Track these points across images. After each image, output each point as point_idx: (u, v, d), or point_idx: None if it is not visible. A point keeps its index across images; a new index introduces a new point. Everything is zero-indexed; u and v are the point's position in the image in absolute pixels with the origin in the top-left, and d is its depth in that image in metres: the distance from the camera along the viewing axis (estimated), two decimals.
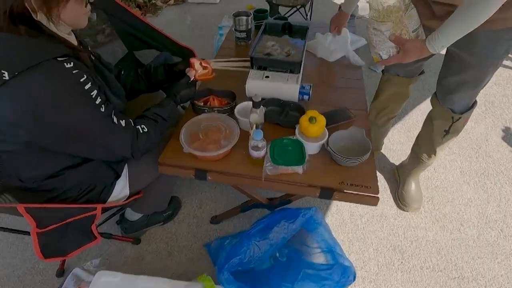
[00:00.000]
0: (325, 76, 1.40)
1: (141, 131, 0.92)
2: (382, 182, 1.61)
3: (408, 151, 1.53)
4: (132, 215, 1.30)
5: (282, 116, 1.14)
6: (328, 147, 0.96)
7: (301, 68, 1.23)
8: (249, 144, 0.95)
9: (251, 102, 0.94)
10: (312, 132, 0.98)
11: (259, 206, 1.39)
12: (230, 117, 1.08)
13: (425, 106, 2.07)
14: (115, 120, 0.85)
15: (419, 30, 1.03)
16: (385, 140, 1.73)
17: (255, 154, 0.95)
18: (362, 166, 0.97)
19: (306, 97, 1.20)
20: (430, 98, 1.32)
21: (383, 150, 1.76)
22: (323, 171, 0.97)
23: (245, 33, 1.57)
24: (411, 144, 1.48)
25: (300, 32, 1.39)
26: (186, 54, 1.76)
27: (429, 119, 1.31)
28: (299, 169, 0.92)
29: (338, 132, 1.02)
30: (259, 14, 1.67)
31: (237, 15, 1.56)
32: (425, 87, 2.24)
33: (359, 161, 0.94)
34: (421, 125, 1.40)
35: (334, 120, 1.12)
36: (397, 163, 1.69)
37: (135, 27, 1.65)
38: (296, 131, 1.01)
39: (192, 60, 1.13)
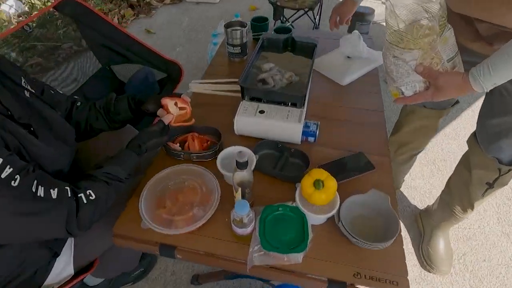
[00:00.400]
0: (336, 107, 1.14)
1: (85, 200, 0.66)
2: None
3: (433, 190, 1.27)
4: (92, 280, 1.07)
5: (279, 165, 0.89)
6: (340, 223, 0.71)
7: (306, 101, 0.97)
8: (231, 216, 0.70)
9: (240, 148, 0.69)
10: (319, 201, 0.72)
11: (249, 277, 1.14)
12: (209, 172, 0.83)
13: (455, 129, 1.80)
14: (39, 192, 0.60)
15: (456, 58, 0.77)
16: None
17: (238, 231, 0.70)
18: (386, 249, 0.71)
19: (311, 139, 0.94)
20: (466, 138, 1.05)
21: (402, 187, 1.50)
22: (331, 254, 0.72)
23: (240, 48, 1.31)
24: (437, 179, 1.21)
25: (306, 49, 1.13)
26: (172, 69, 1.52)
27: (466, 166, 1.04)
28: (297, 258, 0.67)
29: (354, 198, 0.76)
30: (258, 24, 1.42)
31: (228, 26, 1.30)
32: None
33: (382, 247, 0.68)
34: (450, 154, 1.13)
35: (349, 172, 0.86)
36: (419, 204, 1.43)
37: (111, 38, 1.41)
38: (297, 195, 0.76)
39: (165, 101, 0.87)
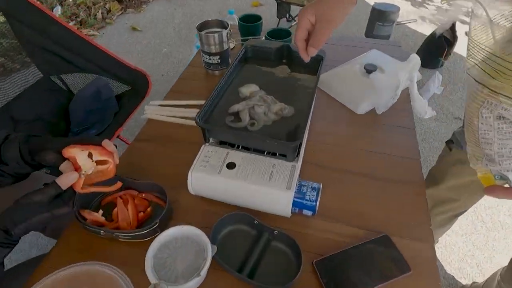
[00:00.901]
0: (348, 151, 0.80)
1: None
2: None
3: (476, 252, 0.91)
4: None
5: (254, 257, 0.55)
6: None
7: (302, 149, 0.63)
8: None
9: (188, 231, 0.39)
10: None
11: None
12: (128, 281, 0.50)
13: None
14: None
15: None
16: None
17: None
18: None
19: (308, 212, 0.60)
20: None
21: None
22: None
23: (218, 57, 0.98)
24: (480, 237, 0.86)
25: (308, 63, 0.79)
26: (138, 81, 1.20)
27: None
28: None
29: None
30: (246, 25, 1.08)
31: (203, 27, 0.97)
32: None
33: None
34: (498, 206, 0.78)
35: (363, 278, 0.52)
36: (457, 274, 1.07)
37: (55, 38, 1.10)
38: None
39: (70, 151, 0.54)
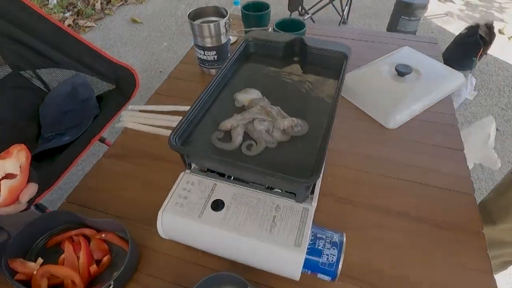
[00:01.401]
0: (377, 180, 0.62)
1: None
2: None
3: None
4: None
5: None
6: None
7: (318, 185, 0.46)
8: None
9: None
10: None
11: None
12: None
13: None
14: None
15: None
16: None
17: None
18: None
19: (326, 277, 0.43)
20: None
21: None
22: None
23: (215, 52, 0.81)
24: None
25: (327, 62, 0.61)
26: (123, 78, 1.04)
27: None
28: None
29: None
30: (252, 14, 0.91)
31: (195, 17, 0.80)
32: None
33: None
34: None
35: None
36: None
37: (25, 26, 0.94)
38: None
39: None
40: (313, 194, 0.45)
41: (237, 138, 0.46)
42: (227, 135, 0.47)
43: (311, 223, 0.42)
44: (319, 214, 0.48)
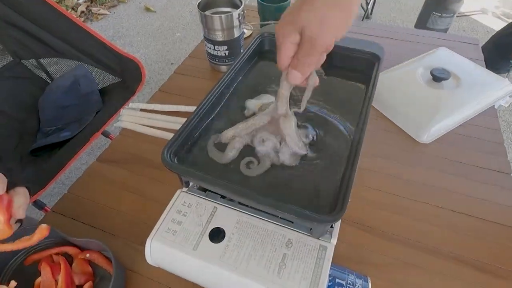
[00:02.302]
0: (408, 206, 0.54)
1: None
2: None
3: None
4: None
5: None
6: None
7: (339, 221, 0.38)
8: None
9: None
10: None
11: None
12: None
13: None
14: None
15: None
16: None
17: None
18: None
19: None
20: None
21: None
22: None
23: (226, 47, 0.74)
24: None
25: (354, 64, 0.53)
26: (129, 71, 0.98)
27: None
28: None
29: None
30: (269, 5, 0.82)
31: (205, 7, 0.73)
32: None
33: None
34: None
35: None
36: None
37: (27, 13, 0.89)
38: None
39: None
40: (332, 227, 0.37)
41: (231, 151, 0.39)
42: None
43: (329, 265, 0.35)
44: (338, 244, 0.41)
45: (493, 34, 1.73)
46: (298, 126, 0.41)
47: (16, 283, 0.41)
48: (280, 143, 0.39)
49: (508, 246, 0.47)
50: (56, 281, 0.42)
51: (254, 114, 0.45)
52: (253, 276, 0.34)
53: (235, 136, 0.40)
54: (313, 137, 0.41)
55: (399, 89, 0.69)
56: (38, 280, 0.42)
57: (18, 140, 0.92)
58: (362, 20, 2.17)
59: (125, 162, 0.60)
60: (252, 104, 0.46)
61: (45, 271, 0.42)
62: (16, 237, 0.36)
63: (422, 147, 0.60)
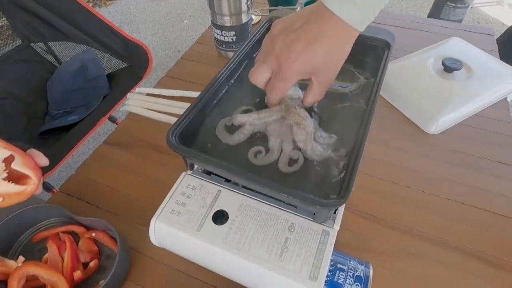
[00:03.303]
0: (416, 198, 0.53)
1: None
2: None
3: None
4: None
5: None
6: None
7: (342, 206, 0.38)
8: None
9: None
10: None
11: None
12: None
13: None
14: None
15: None
16: None
17: None
18: None
19: None
20: None
21: None
22: None
23: (234, 33, 0.73)
24: None
25: (364, 51, 0.52)
26: (136, 56, 0.98)
27: None
28: None
29: None
30: None
31: None
32: None
33: None
34: None
35: None
36: None
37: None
38: None
39: None
40: (335, 214, 0.37)
41: (238, 135, 0.40)
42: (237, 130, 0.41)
43: (331, 250, 0.35)
44: (341, 232, 0.41)
45: (509, 26, 1.68)
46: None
47: (24, 259, 0.43)
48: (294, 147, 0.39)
49: None
50: (63, 258, 0.43)
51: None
52: (255, 258, 0.34)
53: (245, 123, 0.40)
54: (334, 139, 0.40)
55: (409, 79, 0.68)
56: (46, 256, 0.43)
57: (26, 122, 0.93)
58: None
59: (131, 146, 0.60)
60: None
61: (52, 248, 0.43)
62: None
63: (430, 138, 0.59)
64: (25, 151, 0.38)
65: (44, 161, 0.39)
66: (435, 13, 1.62)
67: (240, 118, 0.41)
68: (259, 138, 0.41)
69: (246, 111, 0.43)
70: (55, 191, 1.02)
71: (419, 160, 0.56)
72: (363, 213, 0.50)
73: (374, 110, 0.39)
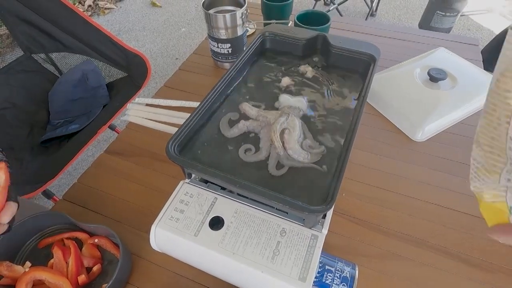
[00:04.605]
0: (403, 203, 0.56)
1: None
2: None
3: None
4: None
5: None
6: None
7: (330, 212, 0.41)
8: None
9: None
10: None
11: None
12: None
13: None
14: None
15: None
16: None
17: None
18: None
19: None
20: None
21: None
22: None
23: (229, 45, 0.76)
24: None
25: (351, 64, 0.55)
26: (135, 66, 1.01)
27: None
28: None
29: None
30: (272, 4, 0.84)
31: (210, 5, 0.75)
32: None
33: None
34: None
35: None
36: None
37: (42, 11, 0.92)
38: None
39: None
40: (324, 219, 0.40)
41: (233, 130, 0.45)
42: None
43: (320, 253, 0.37)
44: (329, 234, 0.43)
45: (497, 34, 1.73)
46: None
47: (30, 264, 0.45)
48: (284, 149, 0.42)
49: (496, 241, 0.49)
50: (67, 263, 0.45)
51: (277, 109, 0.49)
52: (249, 261, 0.37)
53: (248, 114, 0.46)
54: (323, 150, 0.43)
55: (396, 88, 0.71)
56: (51, 261, 0.46)
57: (29, 132, 0.95)
58: (367, 18, 2.17)
59: (131, 155, 0.63)
60: (284, 99, 0.49)
61: (57, 254, 0.45)
62: None
63: (416, 145, 0.62)
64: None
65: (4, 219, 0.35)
66: (425, 21, 1.67)
67: (245, 107, 0.46)
68: (252, 138, 0.45)
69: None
70: (56, 199, 1.04)
71: (405, 166, 0.59)
72: (351, 217, 0.52)
73: (359, 120, 0.42)
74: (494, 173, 0.25)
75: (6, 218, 0.34)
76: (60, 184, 1.30)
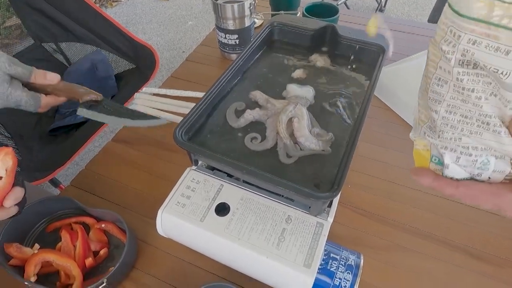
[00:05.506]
0: (410, 195, 0.56)
1: None
2: None
3: None
4: None
5: None
6: None
7: (336, 200, 0.41)
8: None
9: None
10: None
11: None
12: None
13: None
14: None
15: None
16: None
17: None
18: None
19: None
20: None
21: None
22: None
23: (237, 36, 0.76)
24: None
25: (361, 55, 0.54)
26: (143, 58, 1.01)
27: None
28: None
29: None
30: None
31: None
32: None
33: None
34: None
35: None
36: None
37: (54, 1, 0.92)
38: None
39: None
40: (330, 207, 0.40)
41: (240, 120, 0.45)
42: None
43: (325, 241, 0.37)
44: (335, 225, 0.43)
45: None
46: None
47: (39, 246, 0.46)
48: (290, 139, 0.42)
49: (500, 235, 0.49)
50: (75, 247, 0.46)
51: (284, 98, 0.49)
52: (254, 246, 0.37)
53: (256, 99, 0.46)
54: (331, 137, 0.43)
55: (404, 81, 0.70)
56: (59, 244, 0.46)
57: (37, 120, 0.96)
58: (376, 12, 2.14)
59: (138, 143, 0.63)
60: (291, 88, 0.48)
61: (65, 237, 0.46)
62: None
63: None
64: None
65: (9, 160, 0.34)
66: (435, 16, 1.64)
67: (257, 94, 0.47)
68: (258, 127, 0.45)
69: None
70: (62, 187, 1.05)
71: (412, 159, 0.59)
72: (357, 209, 0.52)
73: (368, 109, 0.42)
74: (428, 128, 0.26)
75: (10, 202, 0.34)
76: (67, 173, 1.32)
